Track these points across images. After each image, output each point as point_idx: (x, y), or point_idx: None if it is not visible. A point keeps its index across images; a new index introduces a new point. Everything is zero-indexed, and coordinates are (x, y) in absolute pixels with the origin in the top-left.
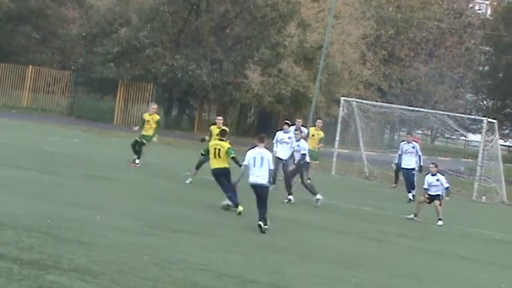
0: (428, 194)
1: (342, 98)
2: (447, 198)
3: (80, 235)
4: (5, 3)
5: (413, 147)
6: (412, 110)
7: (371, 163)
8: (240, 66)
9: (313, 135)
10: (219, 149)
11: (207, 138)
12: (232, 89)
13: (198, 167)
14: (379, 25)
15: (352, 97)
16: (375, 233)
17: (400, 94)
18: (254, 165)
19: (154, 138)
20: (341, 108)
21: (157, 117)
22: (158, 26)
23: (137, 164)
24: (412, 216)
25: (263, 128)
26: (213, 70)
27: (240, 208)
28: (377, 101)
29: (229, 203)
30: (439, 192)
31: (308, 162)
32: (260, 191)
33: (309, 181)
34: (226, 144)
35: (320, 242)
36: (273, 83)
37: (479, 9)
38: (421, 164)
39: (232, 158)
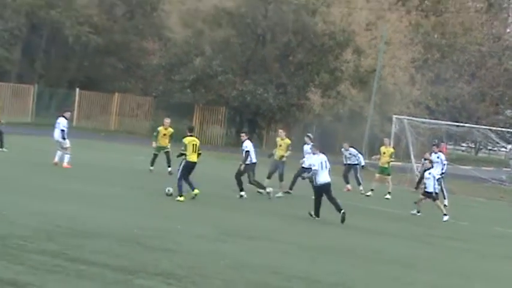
0: (425, 191)
1: (394, 116)
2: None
3: (164, 243)
4: (93, 39)
5: (438, 157)
6: (457, 126)
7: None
8: (302, 89)
9: (384, 153)
10: (197, 144)
11: (274, 151)
12: (296, 110)
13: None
14: (426, 50)
15: (403, 115)
16: (424, 236)
17: (446, 111)
18: (322, 169)
19: (169, 146)
20: (393, 125)
21: (171, 130)
22: (229, 56)
23: (151, 169)
24: (415, 212)
25: (324, 144)
26: (278, 93)
27: (196, 191)
28: (425, 118)
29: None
30: (431, 190)
31: (254, 163)
32: (328, 188)
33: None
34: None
35: (376, 245)
36: (332, 104)
37: None
38: (443, 171)
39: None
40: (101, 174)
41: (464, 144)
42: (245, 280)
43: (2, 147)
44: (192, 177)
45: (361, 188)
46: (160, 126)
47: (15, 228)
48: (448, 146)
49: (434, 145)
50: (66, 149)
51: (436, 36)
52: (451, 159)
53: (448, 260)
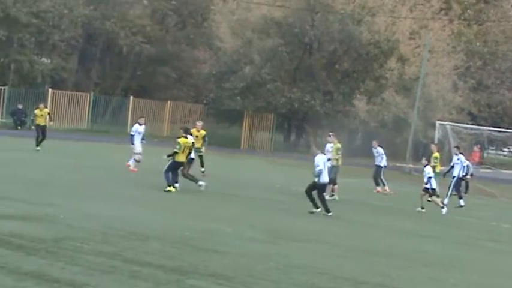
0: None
1: (438, 122)
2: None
3: (215, 245)
4: (146, 49)
5: (458, 159)
6: (499, 131)
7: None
8: (348, 96)
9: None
10: (189, 146)
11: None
12: (342, 116)
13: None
14: (468, 57)
15: (446, 121)
16: (466, 238)
17: (488, 117)
18: (324, 168)
19: (203, 149)
20: (437, 131)
21: (203, 132)
22: (277, 64)
23: (203, 171)
24: (419, 209)
25: (369, 149)
26: (325, 100)
27: (172, 188)
28: (468, 124)
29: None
30: (428, 186)
31: (193, 159)
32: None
33: None
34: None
35: (418, 247)
36: (377, 110)
37: None
38: (466, 172)
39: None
40: (153, 178)
41: (505, 149)
42: (292, 281)
43: (37, 146)
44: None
45: (379, 188)
46: (202, 130)
47: (71, 230)
48: (490, 151)
49: (455, 147)
50: (135, 153)
51: (478, 44)
52: (493, 164)
53: (490, 262)
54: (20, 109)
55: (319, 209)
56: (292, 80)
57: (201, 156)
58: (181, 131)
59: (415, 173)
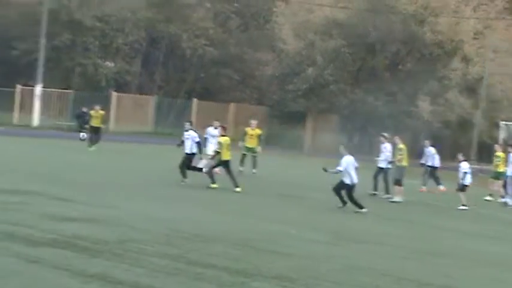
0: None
1: (502, 122)
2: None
3: (278, 246)
4: (209, 51)
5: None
6: None
7: None
8: (412, 97)
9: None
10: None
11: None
12: (405, 117)
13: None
14: None
15: (511, 121)
16: None
17: None
18: (351, 170)
19: (259, 148)
20: (501, 131)
21: (258, 131)
22: (340, 65)
23: (240, 170)
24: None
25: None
26: (388, 101)
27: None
28: None
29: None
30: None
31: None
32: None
33: None
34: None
35: (482, 248)
36: (441, 111)
37: None
38: None
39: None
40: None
41: None
42: (356, 282)
43: (90, 146)
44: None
45: (425, 187)
46: (257, 129)
47: (135, 232)
48: None
49: (509, 145)
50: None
51: None
52: None
53: None
54: (85, 112)
55: (345, 204)
56: (355, 81)
57: (254, 157)
58: (222, 130)
59: (480, 174)
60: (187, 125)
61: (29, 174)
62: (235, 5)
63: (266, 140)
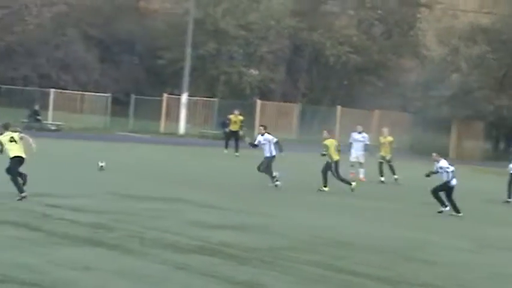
0: None
1: None
2: None
3: (421, 254)
4: (353, 58)
5: None
6: None
7: None
8: None
9: None
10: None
11: None
12: None
13: None
14: None
15: None
16: None
17: None
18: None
19: (388, 157)
20: None
21: (390, 138)
22: (484, 71)
23: (382, 180)
24: None
25: None
26: None
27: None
28: None
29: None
30: None
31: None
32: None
33: None
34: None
35: None
36: None
37: None
38: None
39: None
40: (359, 188)
41: None
42: None
43: (226, 148)
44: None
45: None
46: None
47: (283, 239)
48: None
49: None
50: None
51: None
52: None
53: None
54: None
55: (447, 208)
56: (500, 87)
57: (390, 164)
58: (326, 133)
59: None
60: (261, 129)
61: (176, 181)
62: (379, 12)
63: (410, 148)
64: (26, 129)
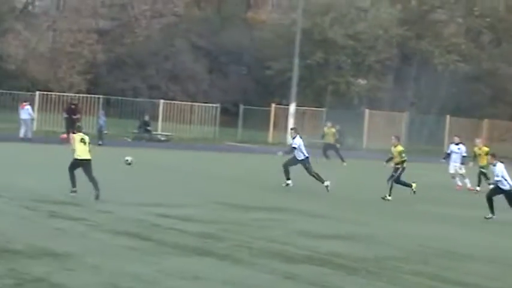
0: None
1: None
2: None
3: None
4: (461, 67)
5: None
6: None
7: None
8: None
9: None
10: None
11: None
12: None
13: None
14: None
15: None
16: None
17: None
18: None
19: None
20: None
21: (486, 149)
22: None
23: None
24: None
25: None
26: None
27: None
28: None
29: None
30: None
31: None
32: None
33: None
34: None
35: None
36: None
37: None
38: None
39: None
40: (459, 196)
41: None
42: None
43: (343, 161)
44: None
45: None
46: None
47: (391, 250)
48: None
49: None
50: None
51: None
52: None
53: None
54: (338, 129)
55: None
56: None
57: (484, 175)
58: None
59: None
60: (292, 132)
61: (283, 191)
62: (487, 19)
63: None
64: (136, 139)
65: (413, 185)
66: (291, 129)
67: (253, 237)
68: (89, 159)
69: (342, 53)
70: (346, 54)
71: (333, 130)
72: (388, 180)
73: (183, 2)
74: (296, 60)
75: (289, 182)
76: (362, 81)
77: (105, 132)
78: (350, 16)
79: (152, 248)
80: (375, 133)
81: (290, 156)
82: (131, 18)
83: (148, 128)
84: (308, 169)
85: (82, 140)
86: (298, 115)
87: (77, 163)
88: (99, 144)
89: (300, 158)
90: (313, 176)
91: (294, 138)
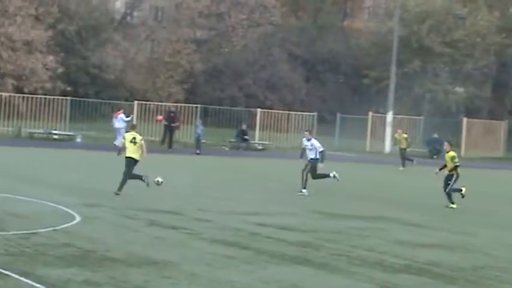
0: None
1: None
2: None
3: None
4: None
5: None
6: None
7: None
8: None
9: None
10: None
11: None
12: None
13: None
14: None
15: None
16: None
17: None
18: None
19: None
20: None
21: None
22: None
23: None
24: None
25: None
26: None
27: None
28: None
29: None
30: None
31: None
32: None
33: None
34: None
35: None
36: None
37: None
38: None
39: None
40: None
41: None
42: None
43: (403, 165)
44: None
45: None
46: None
47: (489, 259)
48: None
49: None
50: None
51: None
52: None
53: None
54: (436, 138)
55: None
56: None
57: None
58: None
59: None
60: (306, 134)
61: (382, 200)
62: None
63: None
64: (234, 148)
65: (463, 189)
66: (306, 131)
67: (351, 245)
68: (136, 159)
69: (439, 60)
70: (443, 62)
71: (405, 136)
72: (445, 189)
73: (279, 11)
74: (393, 68)
75: (334, 174)
76: (459, 89)
77: (203, 141)
78: (447, 24)
79: (250, 257)
80: (473, 142)
81: (309, 164)
82: (228, 27)
83: (246, 137)
84: (314, 170)
85: (133, 140)
86: (396, 123)
87: (127, 161)
88: (197, 153)
89: (311, 157)
90: (316, 178)
91: (309, 140)
